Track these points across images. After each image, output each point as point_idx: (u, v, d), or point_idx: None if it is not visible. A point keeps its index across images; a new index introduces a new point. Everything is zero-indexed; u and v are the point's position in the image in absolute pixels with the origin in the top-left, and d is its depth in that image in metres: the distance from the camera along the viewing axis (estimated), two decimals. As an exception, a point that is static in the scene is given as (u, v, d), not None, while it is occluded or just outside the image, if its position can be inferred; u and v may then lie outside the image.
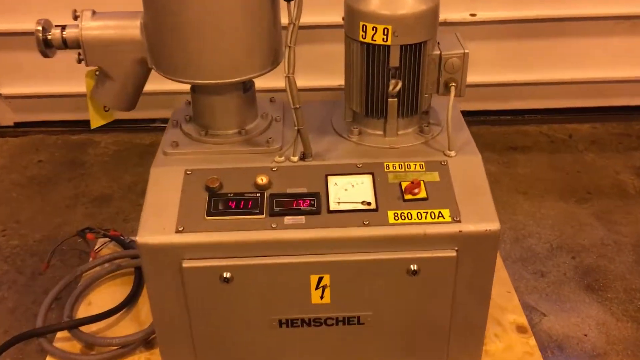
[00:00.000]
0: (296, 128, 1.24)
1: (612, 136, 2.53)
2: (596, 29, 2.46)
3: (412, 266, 1.18)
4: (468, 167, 1.26)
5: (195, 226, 1.17)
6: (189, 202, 1.20)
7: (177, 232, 1.16)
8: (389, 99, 1.28)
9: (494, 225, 1.17)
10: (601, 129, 2.58)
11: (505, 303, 1.54)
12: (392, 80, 1.26)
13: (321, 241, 1.17)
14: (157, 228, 1.17)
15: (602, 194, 2.18)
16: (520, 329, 1.48)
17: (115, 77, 1.29)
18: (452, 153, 1.28)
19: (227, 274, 1.17)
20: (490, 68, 2.52)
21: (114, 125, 2.70)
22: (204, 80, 1.24)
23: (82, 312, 1.58)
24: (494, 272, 1.22)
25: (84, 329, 1.51)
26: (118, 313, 1.53)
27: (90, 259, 1.70)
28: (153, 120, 2.63)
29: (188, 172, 1.26)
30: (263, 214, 1.18)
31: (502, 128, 2.60)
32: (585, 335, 1.66)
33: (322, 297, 1.22)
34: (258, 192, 1.21)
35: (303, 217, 1.18)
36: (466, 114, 1.44)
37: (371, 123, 1.34)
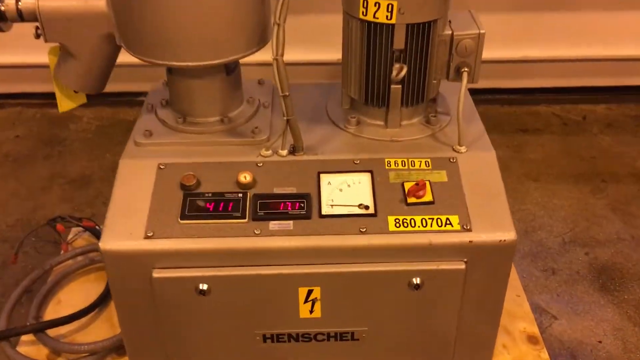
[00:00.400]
0: (285, 118, 1.08)
1: (629, 119, 2.37)
2: (614, 2, 2.27)
3: (414, 279, 1.03)
4: (480, 165, 1.11)
5: (167, 231, 1.02)
6: (161, 202, 1.05)
7: (147, 237, 1.02)
8: (392, 86, 1.12)
9: (509, 235, 1.02)
10: (617, 111, 2.41)
11: (514, 309, 1.40)
12: (396, 65, 1.10)
13: (311, 250, 1.02)
14: (123, 232, 1.02)
15: (619, 183, 2.03)
16: (532, 339, 1.34)
17: (79, 56, 1.13)
18: (463, 149, 1.12)
19: (203, 286, 1.03)
20: (498, 43, 2.32)
21: (97, 99, 2.57)
22: (180, 62, 1.07)
23: (51, 311, 1.44)
24: (506, 286, 1.08)
25: (51, 331, 1.37)
26: (89, 314, 1.39)
27: (62, 252, 1.55)
28: (139, 94, 2.46)
29: (161, 167, 1.10)
30: (245, 218, 1.03)
31: (512, 108, 2.44)
32: (600, 341, 1.52)
33: (311, 311, 1.07)
34: (240, 192, 1.06)
35: (291, 222, 1.03)
36: (472, 92, 1.27)
37: (371, 112, 1.18)
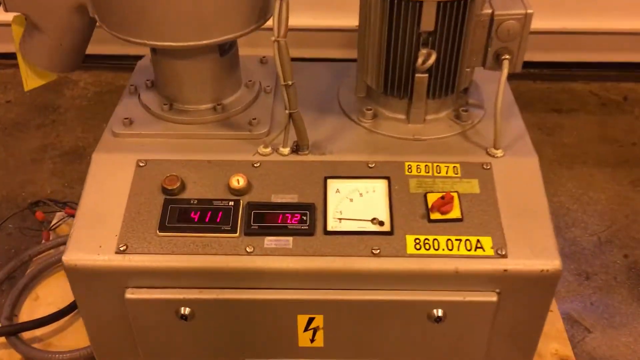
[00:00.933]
0: (287, 112, 0.90)
1: (676, 101, 2.15)
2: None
3: (435, 311, 0.87)
4: (520, 173, 0.93)
5: (143, 245, 0.86)
6: (138, 209, 0.89)
7: (119, 251, 0.85)
8: (417, 75, 0.93)
9: (553, 264, 0.84)
10: (663, 91, 2.19)
11: (546, 327, 1.23)
12: (423, 50, 0.91)
13: (313, 274, 0.86)
14: (91, 245, 0.86)
15: (663, 175, 1.84)
16: (564, 364, 1.18)
17: (46, 30, 0.95)
18: (499, 152, 0.94)
19: (185, 310, 0.87)
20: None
21: (96, 62, 2.38)
22: (164, 41, 0.90)
23: (28, 308, 1.31)
24: (545, 320, 0.91)
25: (26, 334, 1.23)
26: (68, 315, 1.25)
27: (43, 241, 1.40)
28: (141, 57, 2.27)
29: (141, 164, 0.93)
30: (236, 232, 0.86)
31: (544, 84, 2.22)
32: (639, 361, 1.36)
33: (312, 340, 0.91)
34: (231, 200, 0.89)
35: (290, 239, 0.86)
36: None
37: (390, 103, 1.00)
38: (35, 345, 1.22)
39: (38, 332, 1.24)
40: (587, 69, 2.24)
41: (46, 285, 1.34)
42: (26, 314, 1.29)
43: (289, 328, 0.90)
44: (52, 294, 1.32)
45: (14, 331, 1.20)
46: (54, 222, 1.48)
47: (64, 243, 1.38)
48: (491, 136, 0.96)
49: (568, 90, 2.20)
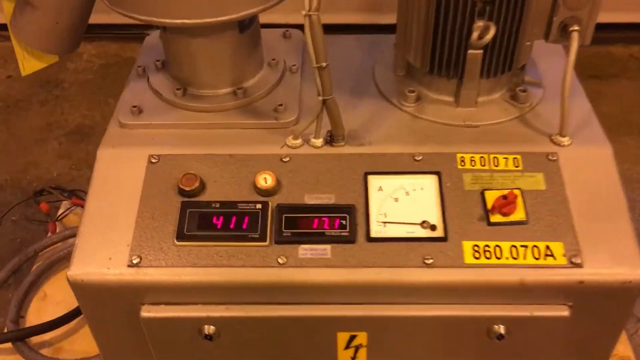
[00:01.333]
0: (321, 98, 0.77)
1: None
2: None
3: (497, 327, 0.75)
4: (591, 165, 0.80)
5: (159, 256, 0.75)
6: (152, 213, 0.77)
7: (132, 265, 0.74)
8: (471, 51, 0.80)
9: (636, 274, 0.72)
10: None
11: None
12: (479, 22, 0.78)
13: (356, 288, 0.74)
14: (100, 257, 0.75)
15: None
16: (624, 366, 1.07)
17: (39, 5, 0.82)
18: (566, 140, 0.81)
19: (209, 329, 0.76)
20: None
21: (100, 32, 2.24)
22: (176, 18, 0.77)
23: (35, 309, 1.21)
24: (620, 334, 0.80)
25: (34, 338, 1.13)
26: (79, 317, 1.15)
27: (48, 234, 1.30)
28: (149, 27, 2.13)
29: (153, 160, 0.81)
30: (266, 240, 0.75)
31: (580, 48, 2.06)
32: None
33: (354, 358, 0.81)
34: (259, 202, 0.77)
35: (328, 247, 0.75)
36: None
37: (437, 84, 0.87)
38: (44, 351, 1.13)
39: (46, 335, 1.14)
40: (627, 30, 2.07)
41: (54, 282, 1.24)
42: (33, 315, 1.19)
43: (327, 346, 0.79)
44: (61, 291, 1.21)
45: (20, 337, 1.10)
46: (60, 211, 1.37)
47: (73, 235, 1.28)
48: (554, 120, 0.83)
49: (607, 55, 2.04)
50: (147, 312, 0.76)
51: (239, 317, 0.76)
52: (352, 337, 0.78)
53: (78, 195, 1.32)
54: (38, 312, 1.19)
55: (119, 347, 0.83)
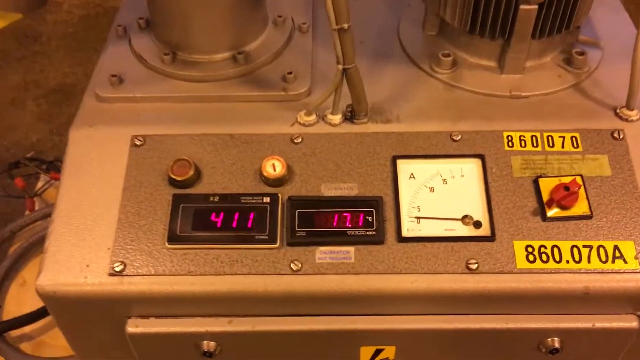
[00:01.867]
0: (340, 67, 0.63)
1: None
2: None
3: (550, 340, 0.64)
4: (665, 145, 0.67)
5: (147, 262, 0.62)
6: (137, 209, 0.64)
7: (114, 273, 0.61)
8: (523, 6, 0.65)
9: None
10: None
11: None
12: (536, -29, 0.63)
13: (385, 298, 0.62)
14: (75, 264, 0.62)
15: None
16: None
17: (-10, -49, 0.67)
18: (634, 114, 0.68)
19: (209, 345, 0.64)
20: None
21: (81, -21, 2.06)
22: (158, -35, 0.62)
23: (13, 297, 1.09)
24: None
25: (13, 332, 1.02)
26: (62, 307, 1.02)
27: (27, 212, 1.17)
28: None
29: (137, 142, 0.68)
30: (276, 242, 0.62)
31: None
32: None
33: (378, 372, 0.69)
34: (267, 194, 0.64)
35: (351, 249, 0.62)
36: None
37: (476, 45, 0.72)
38: (24, 346, 1.01)
39: (27, 328, 1.03)
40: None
41: (34, 266, 1.11)
42: (12, 304, 1.07)
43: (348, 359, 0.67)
44: (42, 277, 1.09)
45: (-5, 332, 0.98)
46: (39, 185, 1.23)
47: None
48: (618, 89, 0.69)
49: None
50: (134, 327, 0.63)
51: (244, 331, 0.63)
52: (378, 351, 0.66)
53: (58, 168, 1.18)
54: (17, 301, 1.07)
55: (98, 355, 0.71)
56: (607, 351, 0.66)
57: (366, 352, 0.66)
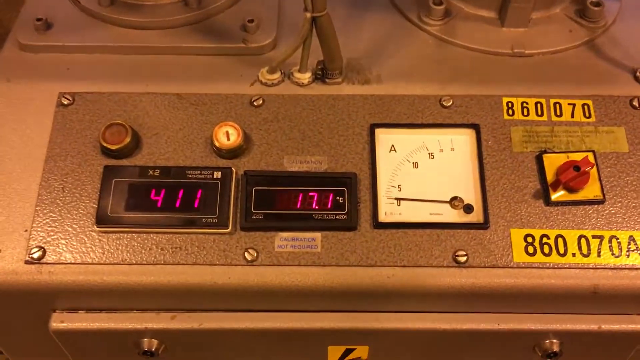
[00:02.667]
0: (309, 15, 0.52)
1: None
2: None
3: (548, 343, 0.55)
4: (692, 117, 0.56)
5: (72, 247, 0.51)
6: (62, 185, 0.53)
7: (31, 260, 0.51)
8: (532, -56, 0.54)
9: None
10: None
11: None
12: None
13: (357, 294, 0.52)
14: (-15, 248, 0.52)
15: None
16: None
17: None
18: (657, 79, 0.57)
19: (150, 344, 0.55)
20: None
21: None
22: None
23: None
24: None
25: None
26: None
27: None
28: None
29: (65, 100, 0.56)
30: (227, 226, 0.51)
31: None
32: None
33: (349, 372, 0.60)
34: (218, 169, 0.53)
35: (318, 235, 0.52)
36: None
37: (474, -8, 0.61)
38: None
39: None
40: None
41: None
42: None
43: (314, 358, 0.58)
44: None
45: None
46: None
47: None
48: (635, 46, 0.59)
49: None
50: (59, 322, 0.53)
51: (190, 329, 0.54)
52: (349, 351, 0.57)
53: None
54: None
55: (30, 354, 0.62)
56: (609, 356, 0.57)
57: (334, 351, 0.57)
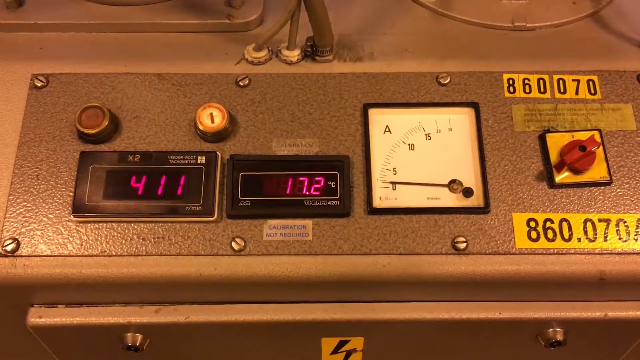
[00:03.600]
0: (296, -13, 0.48)
1: None
2: None
3: (551, 332, 0.52)
4: (703, 93, 0.54)
5: (47, 239, 0.48)
6: (37, 172, 0.50)
7: (5, 253, 0.48)
8: None
9: None
10: None
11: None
12: None
13: (350, 284, 0.49)
14: (-45, 241, 0.49)
15: None
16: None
17: None
18: (666, 53, 0.54)
19: (134, 339, 0.52)
20: None
21: None
22: None
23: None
24: None
25: None
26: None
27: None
28: None
29: (38, 83, 0.53)
30: (213, 214, 0.48)
31: None
32: None
33: (344, 364, 0.58)
34: (202, 153, 0.50)
35: (309, 223, 0.49)
36: None
37: (473, -38, 0.58)
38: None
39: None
40: None
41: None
42: None
43: (309, 351, 0.56)
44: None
45: None
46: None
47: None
48: (642, 20, 0.56)
49: None
50: (37, 317, 0.51)
51: (175, 323, 0.51)
52: (343, 343, 0.55)
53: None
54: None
55: (13, 354, 0.59)
56: (613, 345, 0.55)
57: (328, 343, 0.54)
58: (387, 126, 0.52)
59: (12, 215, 0.49)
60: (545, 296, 0.51)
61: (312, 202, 0.49)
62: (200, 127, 0.50)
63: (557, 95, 0.53)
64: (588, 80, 0.53)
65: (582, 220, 0.49)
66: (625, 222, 0.49)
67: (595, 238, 0.49)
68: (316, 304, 0.51)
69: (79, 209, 0.48)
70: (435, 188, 0.50)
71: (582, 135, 0.50)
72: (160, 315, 0.51)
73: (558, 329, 0.52)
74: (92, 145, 0.51)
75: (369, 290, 0.50)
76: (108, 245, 0.48)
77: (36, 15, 0.56)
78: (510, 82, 0.53)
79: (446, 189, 0.50)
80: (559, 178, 0.50)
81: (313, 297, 0.51)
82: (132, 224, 0.49)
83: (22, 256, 0.48)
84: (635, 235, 0.49)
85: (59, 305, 0.51)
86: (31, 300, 0.51)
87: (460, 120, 0.52)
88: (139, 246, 0.48)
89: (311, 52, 0.54)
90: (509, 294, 0.51)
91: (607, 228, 0.49)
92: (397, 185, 0.50)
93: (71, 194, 0.49)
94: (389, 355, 0.57)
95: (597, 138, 0.50)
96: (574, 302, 0.51)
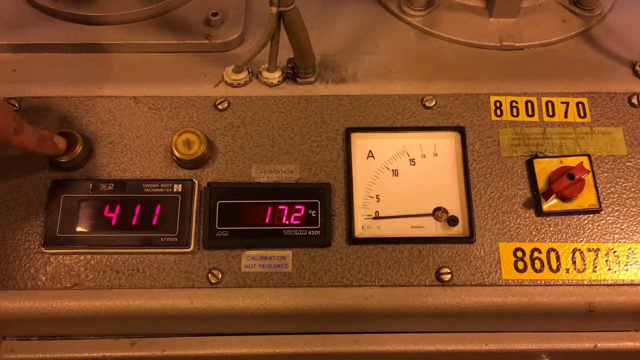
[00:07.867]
0: (275, 10, 0.46)
1: None
2: None
3: (540, 362, 0.51)
4: (696, 115, 0.52)
5: (17, 272, 0.47)
6: (6, 202, 0.48)
7: (-26, 285, 0.46)
8: None
9: None
10: None
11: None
12: None
13: (332, 316, 0.48)
14: None
15: None
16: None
17: None
18: (658, 74, 0.53)
19: (109, 371, 0.50)
20: None
21: None
22: None
23: None
24: None
25: None
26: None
27: None
28: None
29: (11, 106, 0.51)
30: (189, 245, 0.47)
31: None
32: None
33: (328, 392, 0.56)
34: (179, 181, 0.48)
35: (288, 253, 0.47)
36: None
37: (459, -21, 0.56)
38: None
39: None
40: None
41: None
42: None
43: (290, 382, 0.54)
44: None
45: None
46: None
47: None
48: (633, 35, 0.54)
49: None
50: (9, 351, 0.49)
51: (152, 357, 0.49)
52: (326, 373, 0.53)
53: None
54: None
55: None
56: (609, 372, 0.53)
57: (310, 374, 0.53)
58: (370, 151, 0.50)
59: (-19, 247, 0.47)
60: (533, 327, 0.49)
61: (292, 232, 0.47)
62: (177, 154, 0.48)
63: (546, 118, 0.51)
64: (577, 103, 0.52)
65: (571, 250, 0.47)
66: (615, 251, 0.47)
67: (584, 269, 0.47)
68: (297, 336, 0.50)
69: (49, 240, 0.47)
70: (419, 218, 0.48)
71: (571, 161, 0.49)
72: (135, 349, 0.49)
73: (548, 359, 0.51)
74: (64, 172, 0.49)
75: (351, 322, 0.49)
76: (80, 278, 0.47)
77: (8, 36, 0.54)
78: (498, 104, 0.52)
79: (431, 218, 0.48)
80: (546, 206, 0.48)
81: (294, 329, 0.49)
82: (105, 256, 0.47)
83: (-9, 289, 0.46)
84: (626, 265, 0.47)
85: (31, 338, 0.50)
86: (3, 333, 0.49)
87: (446, 144, 0.50)
88: (112, 279, 0.47)
89: (292, 73, 0.52)
90: (496, 325, 0.49)
91: (596, 258, 0.47)
92: (379, 215, 0.48)
93: (42, 224, 0.47)
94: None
95: (586, 164, 0.48)
96: (563, 333, 0.50)
